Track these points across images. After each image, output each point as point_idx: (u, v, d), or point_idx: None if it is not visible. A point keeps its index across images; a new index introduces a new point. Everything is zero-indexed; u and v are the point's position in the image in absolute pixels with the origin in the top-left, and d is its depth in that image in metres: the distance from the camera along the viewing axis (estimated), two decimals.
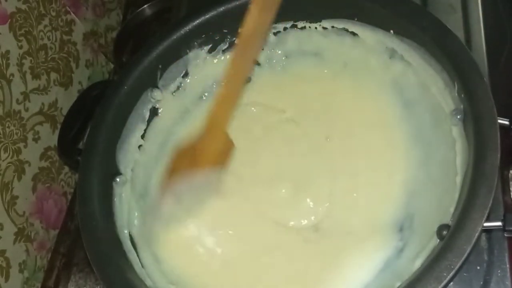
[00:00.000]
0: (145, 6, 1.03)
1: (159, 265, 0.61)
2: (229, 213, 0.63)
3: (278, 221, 0.62)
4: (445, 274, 0.44)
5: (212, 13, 0.68)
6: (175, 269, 0.61)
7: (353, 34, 0.68)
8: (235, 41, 0.60)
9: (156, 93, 0.69)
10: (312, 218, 0.62)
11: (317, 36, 0.70)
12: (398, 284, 0.48)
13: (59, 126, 0.82)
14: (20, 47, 0.79)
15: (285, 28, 0.71)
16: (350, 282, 0.56)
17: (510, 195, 0.59)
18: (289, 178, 0.64)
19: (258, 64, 0.74)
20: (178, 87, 0.72)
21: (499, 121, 0.50)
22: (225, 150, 0.63)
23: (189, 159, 0.61)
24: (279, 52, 0.73)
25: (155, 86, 0.69)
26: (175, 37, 0.68)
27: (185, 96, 0.72)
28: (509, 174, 0.60)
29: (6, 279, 0.73)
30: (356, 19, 0.66)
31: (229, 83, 0.58)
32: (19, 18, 0.79)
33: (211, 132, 0.60)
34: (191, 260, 0.62)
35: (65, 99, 0.90)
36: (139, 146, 0.68)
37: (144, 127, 0.69)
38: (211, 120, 0.60)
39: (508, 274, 0.56)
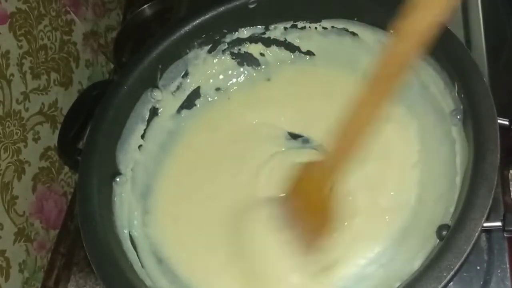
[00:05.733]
0: (145, 6, 1.03)
1: (159, 265, 0.61)
2: None
3: None
4: (445, 274, 0.44)
5: (212, 13, 0.68)
6: None
7: (353, 34, 0.68)
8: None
9: (156, 93, 0.69)
10: None
11: (317, 36, 0.70)
12: (398, 284, 0.48)
13: (59, 126, 0.82)
14: (20, 47, 0.79)
15: (285, 28, 0.71)
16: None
17: (510, 195, 0.59)
18: None
19: (259, 65, 0.74)
20: (178, 87, 0.72)
21: (499, 121, 0.50)
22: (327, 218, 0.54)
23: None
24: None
25: (155, 86, 0.69)
26: (175, 37, 0.68)
27: (185, 96, 0.72)
28: (509, 174, 0.60)
29: (6, 279, 0.73)
30: (356, 19, 0.66)
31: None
32: (19, 18, 0.79)
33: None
34: None
35: (65, 99, 0.90)
36: (139, 146, 0.68)
37: (144, 127, 0.69)
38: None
39: (508, 274, 0.56)
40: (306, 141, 0.69)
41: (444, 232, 0.49)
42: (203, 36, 0.70)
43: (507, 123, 0.52)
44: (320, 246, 0.55)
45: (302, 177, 0.56)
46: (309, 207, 0.55)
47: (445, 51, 0.56)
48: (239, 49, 0.73)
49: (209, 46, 0.71)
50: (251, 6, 0.68)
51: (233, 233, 0.63)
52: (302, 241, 0.56)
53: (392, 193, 0.61)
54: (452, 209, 0.50)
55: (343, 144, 0.49)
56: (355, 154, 0.49)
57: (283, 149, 0.68)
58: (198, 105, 0.74)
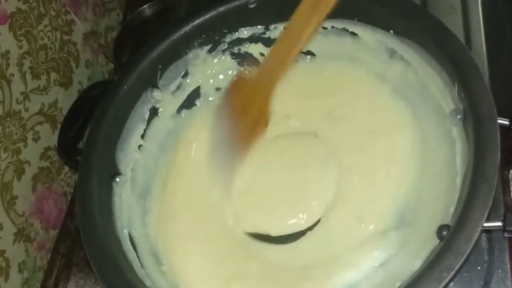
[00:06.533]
0: (145, 6, 1.03)
1: (159, 265, 0.61)
2: None
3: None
4: (445, 274, 0.44)
5: (212, 13, 0.68)
6: None
7: (353, 34, 0.68)
8: None
9: (156, 93, 0.69)
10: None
11: (317, 36, 0.70)
12: (398, 284, 0.48)
13: (59, 126, 0.81)
14: (20, 47, 0.79)
15: (285, 28, 0.71)
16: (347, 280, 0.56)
17: (510, 195, 0.59)
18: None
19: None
20: (178, 87, 0.72)
21: (499, 121, 0.50)
22: (262, 118, 0.63)
23: (241, 97, 0.63)
24: None
25: (155, 86, 0.69)
26: (175, 37, 0.68)
27: (185, 96, 0.72)
28: (509, 174, 0.60)
29: (6, 279, 0.73)
30: (356, 19, 0.66)
31: (293, 31, 0.58)
32: (19, 18, 0.79)
33: (260, 86, 0.61)
34: None
35: (65, 99, 0.90)
36: (139, 146, 0.68)
37: (144, 127, 0.69)
38: (264, 70, 0.61)
39: (509, 274, 0.56)
40: None
41: (445, 232, 0.49)
42: (203, 36, 0.70)
43: (507, 123, 0.52)
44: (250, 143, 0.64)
45: (241, 81, 0.64)
46: (245, 105, 0.63)
47: (445, 51, 0.56)
48: (239, 49, 0.73)
49: (209, 46, 0.71)
50: (251, 6, 0.68)
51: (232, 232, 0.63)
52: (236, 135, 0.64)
53: (392, 193, 0.61)
54: (452, 209, 0.50)
55: (273, 61, 0.60)
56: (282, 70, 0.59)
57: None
58: (198, 105, 0.74)
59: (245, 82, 0.64)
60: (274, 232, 0.63)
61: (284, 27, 0.59)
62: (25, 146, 0.79)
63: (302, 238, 0.62)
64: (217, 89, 0.74)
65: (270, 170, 0.66)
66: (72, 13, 0.94)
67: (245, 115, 0.63)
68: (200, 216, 0.65)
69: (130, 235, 0.61)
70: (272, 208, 0.64)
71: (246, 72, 0.64)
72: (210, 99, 0.74)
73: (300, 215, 0.63)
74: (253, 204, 0.65)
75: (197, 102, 0.74)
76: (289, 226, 0.63)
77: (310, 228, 0.62)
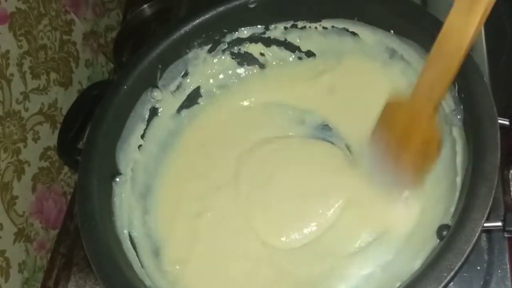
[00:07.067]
0: (145, 6, 1.04)
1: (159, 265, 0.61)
2: None
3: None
4: (445, 274, 0.44)
5: (212, 13, 0.68)
6: None
7: (353, 34, 0.68)
8: None
9: (156, 93, 0.69)
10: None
11: (317, 36, 0.70)
12: (398, 284, 0.48)
13: (59, 126, 0.82)
14: (20, 47, 0.79)
15: (285, 28, 0.71)
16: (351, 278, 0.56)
17: (510, 195, 0.59)
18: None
19: (263, 66, 0.74)
20: (178, 87, 0.72)
21: (499, 121, 0.50)
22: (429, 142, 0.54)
23: (398, 125, 0.55)
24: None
25: (155, 86, 0.69)
26: (175, 37, 0.68)
27: (185, 96, 0.72)
28: (509, 174, 0.60)
29: (6, 279, 0.73)
30: (356, 19, 0.66)
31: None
32: (19, 18, 0.79)
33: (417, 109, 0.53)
34: None
35: (65, 99, 0.90)
36: (139, 146, 0.68)
37: (144, 127, 0.69)
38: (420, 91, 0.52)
39: (509, 274, 0.56)
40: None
41: (445, 232, 0.49)
42: (203, 36, 0.70)
43: (507, 123, 0.52)
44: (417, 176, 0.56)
45: (395, 108, 0.56)
46: (406, 134, 0.55)
47: None
48: (239, 49, 0.73)
49: (209, 46, 0.71)
50: (251, 6, 0.68)
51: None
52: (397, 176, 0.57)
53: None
54: (452, 209, 0.50)
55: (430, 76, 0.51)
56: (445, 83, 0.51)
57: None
58: (198, 105, 0.74)
59: (400, 108, 0.55)
60: (285, 246, 0.61)
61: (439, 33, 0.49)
62: (25, 146, 0.79)
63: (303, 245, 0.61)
64: (217, 88, 0.74)
65: (281, 178, 0.65)
66: (72, 13, 0.94)
67: (408, 144, 0.55)
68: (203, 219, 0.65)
69: (130, 235, 0.61)
70: (284, 224, 0.62)
71: (397, 96, 0.57)
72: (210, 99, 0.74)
73: (312, 227, 0.61)
74: (265, 216, 0.63)
75: (197, 102, 0.74)
76: (299, 239, 0.61)
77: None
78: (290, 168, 0.65)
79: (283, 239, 0.61)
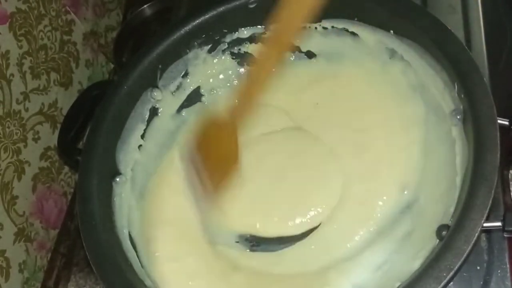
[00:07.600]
0: (145, 6, 1.04)
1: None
2: None
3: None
4: (444, 274, 0.44)
5: (212, 13, 0.68)
6: None
7: (353, 34, 0.68)
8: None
9: (156, 93, 0.69)
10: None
11: (317, 36, 0.70)
12: (398, 284, 0.48)
13: (59, 126, 0.82)
14: (20, 47, 0.79)
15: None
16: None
17: (510, 195, 0.59)
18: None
19: None
20: (178, 87, 0.72)
21: (499, 121, 0.50)
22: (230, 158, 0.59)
23: (212, 139, 0.59)
24: None
25: (155, 86, 0.69)
26: (175, 37, 0.68)
27: (185, 96, 0.72)
28: (509, 174, 0.60)
29: (6, 279, 0.74)
30: (356, 19, 0.66)
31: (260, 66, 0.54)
32: (19, 18, 0.79)
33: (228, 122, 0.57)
34: None
35: (65, 99, 0.90)
36: (139, 146, 0.68)
37: (144, 127, 0.69)
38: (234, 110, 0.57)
39: (508, 274, 0.56)
40: None
41: (444, 232, 0.49)
42: (203, 36, 0.70)
43: (507, 123, 0.52)
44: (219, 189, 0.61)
45: (208, 130, 0.61)
46: (214, 156, 0.60)
47: (445, 51, 0.56)
48: (239, 49, 0.73)
49: (209, 46, 0.71)
50: (251, 6, 0.68)
51: None
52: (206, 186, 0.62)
53: (392, 193, 0.61)
54: (452, 209, 0.50)
55: (243, 99, 0.56)
56: (250, 109, 0.56)
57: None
58: (198, 105, 0.74)
59: (212, 123, 0.60)
60: (267, 232, 0.62)
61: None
62: (25, 146, 0.79)
63: (295, 245, 0.61)
64: (218, 88, 0.74)
65: (268, 169, 0.66)
66: (72, 13, 0.94)
67: (213, 158, 0.60)
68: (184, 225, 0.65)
69: (130, 235, 0.61)
70: (268, 209, 0.64)
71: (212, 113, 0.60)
72: (210, 99, 0.74)
73: (297, 220, 0.62)
74: (247, 205, 0.64)
75: (197, 102, 0.74)
76: (284, 227, 0.62)
77: (305, 234, 0.62)
78: (287, 160, 0.66)
79: (290, 223, 0.62)
